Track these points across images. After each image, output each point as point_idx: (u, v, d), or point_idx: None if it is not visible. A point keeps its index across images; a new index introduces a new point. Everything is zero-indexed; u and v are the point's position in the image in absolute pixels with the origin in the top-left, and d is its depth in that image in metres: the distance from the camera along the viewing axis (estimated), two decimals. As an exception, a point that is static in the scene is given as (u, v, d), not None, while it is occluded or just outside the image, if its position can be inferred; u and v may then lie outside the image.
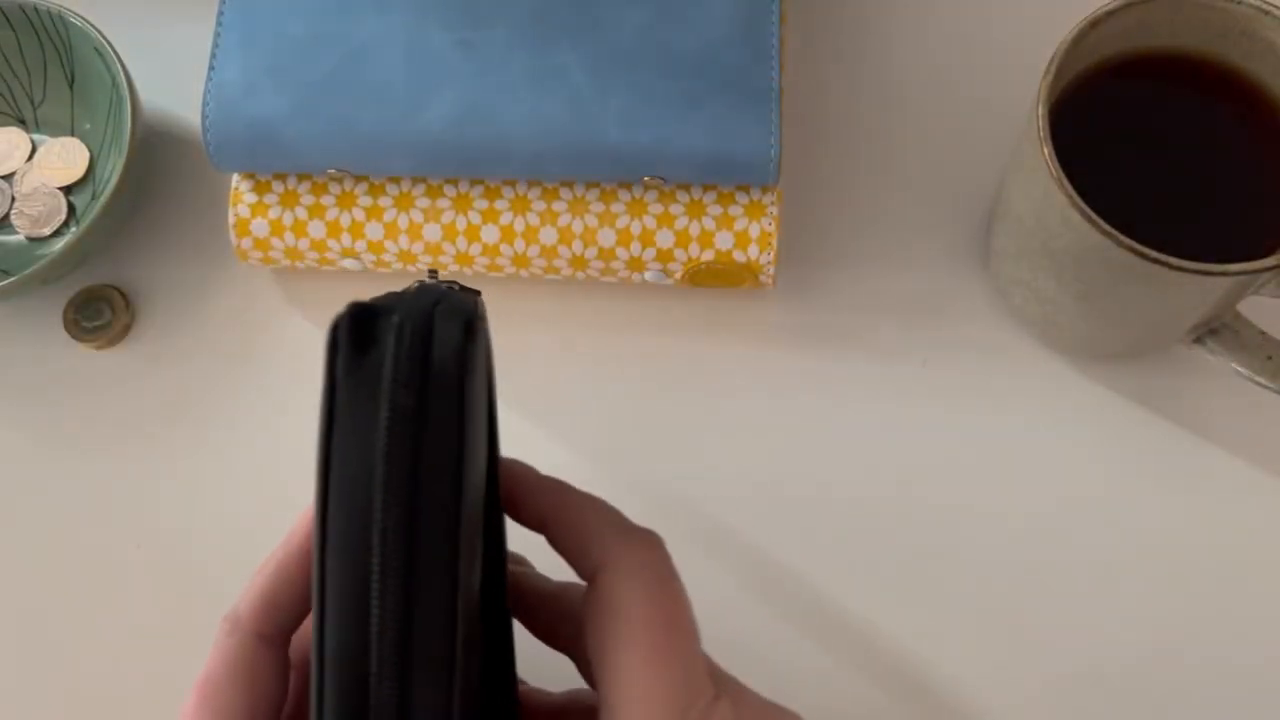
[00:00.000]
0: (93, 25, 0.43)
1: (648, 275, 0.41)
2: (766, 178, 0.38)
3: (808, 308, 0.43)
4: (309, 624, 0.23)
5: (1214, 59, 0.37)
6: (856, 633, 0.38)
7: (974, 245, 0.43)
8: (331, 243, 0.41)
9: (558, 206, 0.40)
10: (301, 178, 0.41)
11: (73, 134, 0.46)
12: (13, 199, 0.45)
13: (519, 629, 0.29)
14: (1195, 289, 0.34)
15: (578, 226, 0.40)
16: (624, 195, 0.40)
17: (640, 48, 0.39)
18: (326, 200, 0.41)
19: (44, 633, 0.40)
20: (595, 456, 0.41)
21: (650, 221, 0.40)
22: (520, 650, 0.29)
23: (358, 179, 0.41)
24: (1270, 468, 0.40)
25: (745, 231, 0.39)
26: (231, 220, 0.41)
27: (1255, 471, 0.40)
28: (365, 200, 0.41)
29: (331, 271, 0.43)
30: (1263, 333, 0.37)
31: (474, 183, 0.40)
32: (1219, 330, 0.37)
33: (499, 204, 0.40)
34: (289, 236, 0.41)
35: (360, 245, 0.41)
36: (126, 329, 0.44)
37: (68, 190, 0.45)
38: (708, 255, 0.40)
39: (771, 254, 0.40)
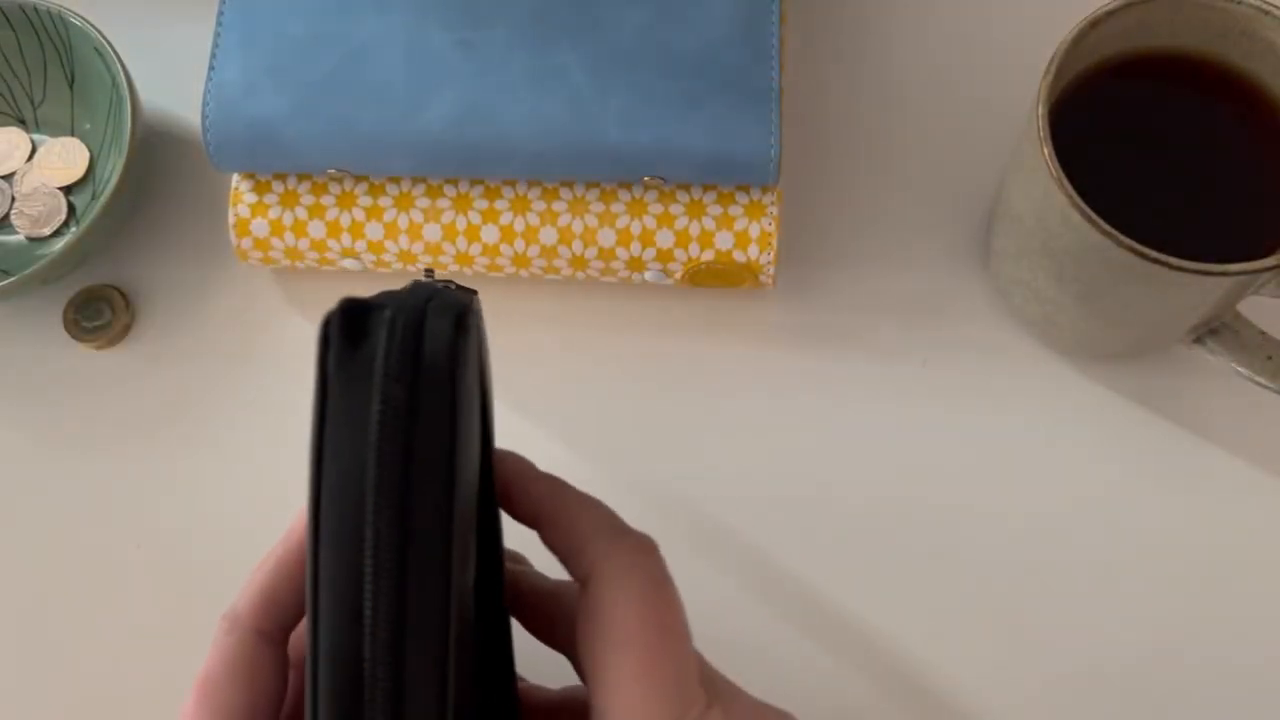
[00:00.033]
0: (93, 25, 0.43)
1: (648, 275, 0.41)
2: (766, 178, 0.38)
3: (808, 308, 0.43)
4: None
5: (1214, 59, 0.37)
6: (856, 632, 0.38)
7: (974, 245, 0.43)
8: (331, 243, 0.41)
9: (558, 206, 0.40)
10: (301, 178, 0.41)
11: (73, 134, 0.46)
12: (13, 199, 0.45)
13: (517, 626, 0.29)
14: (1195, 289, 0.34)
15: (578, 226, 0.40)
16: (624, 195, 0.40)
17: (640, 48, 0.39)
18: (326, 200, 0.41)
19: (44, 633, 0.40)
20: (595, 456, 0.41)
21: (650, 221, 0.40)
22: (519, 647, 0.29)
23: (358, 179, 0.41)
24: (1270, 468, 0.40)
25: (745, 231, 0.39)
26: (231, 220, 0.41)
27: (1255, 471, 0.40)
28: (365, 200, 0.41)
29: (331, 271, 0.43)
30: (1263, 333, 0.37)
31: (474, 183, 0.40)
32: (1219, 330, 0.37)
33: (499, 204, 0.40)
34: (289, 236, 0.41)
35: (360, 245, 0.41)
36: (126, 329, 0.44)
37: (68, 190, 0.45)
38: (708, 255, 0.40)
39: (771, 254, 0.40)
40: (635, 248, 0.40)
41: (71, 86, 0.45)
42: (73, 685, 0.40)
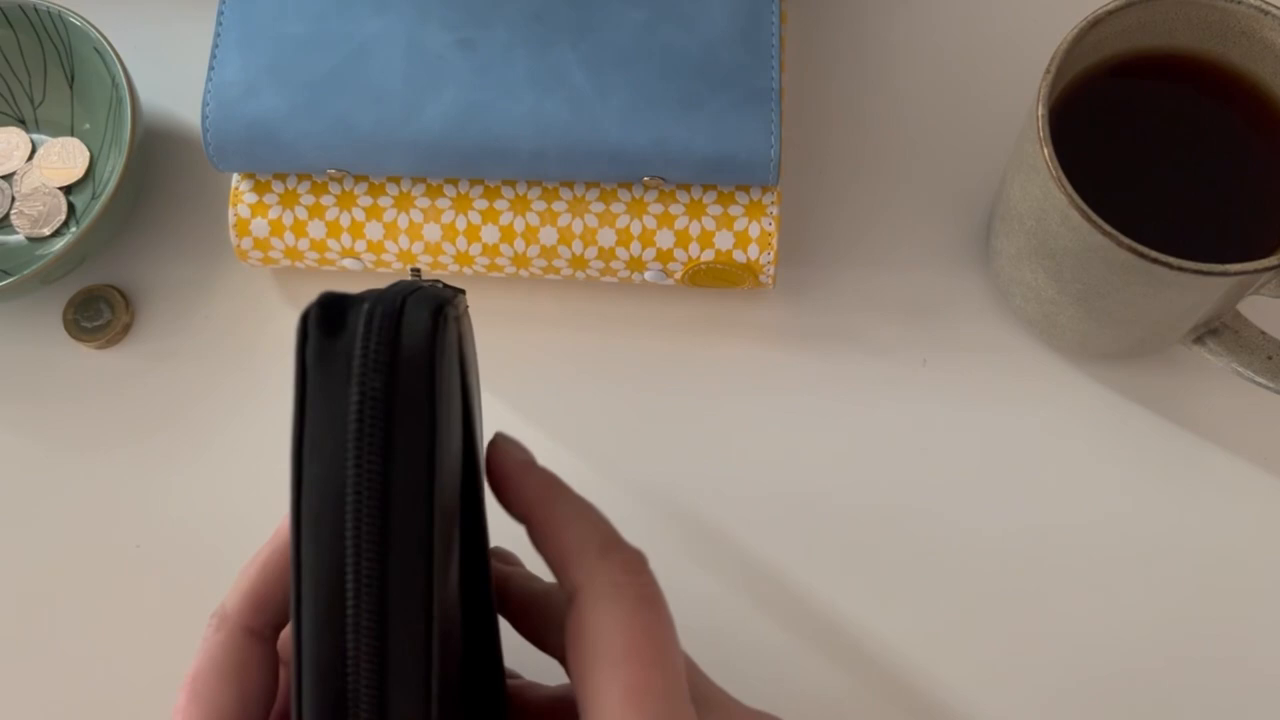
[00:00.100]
0: (93, 25, 0.43)
1: (648, 275, 0.41)
2: (766, 178, 0.38)
3: (808, 308, 0.43)
4: None
5: (1214, 59, 0.37)
6: (855, 632, 0.38)
7: (974, 245, 0.43)
8: (331, 243, 0.41)
9: (558, 206, 0.40)
10: (301, 178, 0.41)
11: (73, 134, 0.46)
12: (13, 199, 0.45)
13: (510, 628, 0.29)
14: (1195, 289, 0.34)
15: (578, 226, 0.40)
16: (624, 195, 0.40)
17: (640, 47, 0.39)
18: (326, 200, 0.41)
19: (44, 632, 0.40)
20: (594, 456, 0.41)
21: (650, 221, 0.40)
22: (517, 644, 0.29)
23: (358, 179, 0.41)
24: (1270, 468, 0.40)
25: (745, 231, 0.39)
26: (231, 220, 0.41)
27: (1255, 471, 0.40)
28: (365, 200, 0.41)
29: (331, 271, 0.43)
30: (1263, 333, 0.37)
31: (474, 183, 0.40)
32: (1219, 330, 0.37)
33: (499, 204, 0.40)
34: (289, 236, 0.41)
35: (360, 245, 0.41)
36: (126, 329, 0.44)
37: (68, 190, 0.45)
38: (708, 255, 0.40)
39: (771, 254, 0.40)
40: (635, 248, 0.40)
41: (71, 86, 0.46)
42: (73, 684, 0.40)
